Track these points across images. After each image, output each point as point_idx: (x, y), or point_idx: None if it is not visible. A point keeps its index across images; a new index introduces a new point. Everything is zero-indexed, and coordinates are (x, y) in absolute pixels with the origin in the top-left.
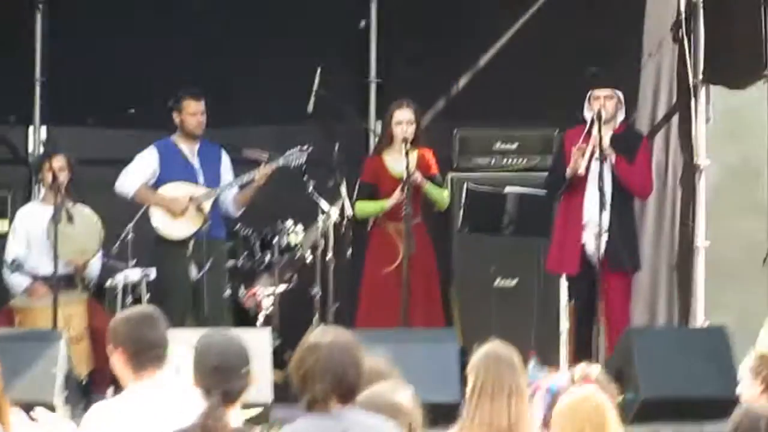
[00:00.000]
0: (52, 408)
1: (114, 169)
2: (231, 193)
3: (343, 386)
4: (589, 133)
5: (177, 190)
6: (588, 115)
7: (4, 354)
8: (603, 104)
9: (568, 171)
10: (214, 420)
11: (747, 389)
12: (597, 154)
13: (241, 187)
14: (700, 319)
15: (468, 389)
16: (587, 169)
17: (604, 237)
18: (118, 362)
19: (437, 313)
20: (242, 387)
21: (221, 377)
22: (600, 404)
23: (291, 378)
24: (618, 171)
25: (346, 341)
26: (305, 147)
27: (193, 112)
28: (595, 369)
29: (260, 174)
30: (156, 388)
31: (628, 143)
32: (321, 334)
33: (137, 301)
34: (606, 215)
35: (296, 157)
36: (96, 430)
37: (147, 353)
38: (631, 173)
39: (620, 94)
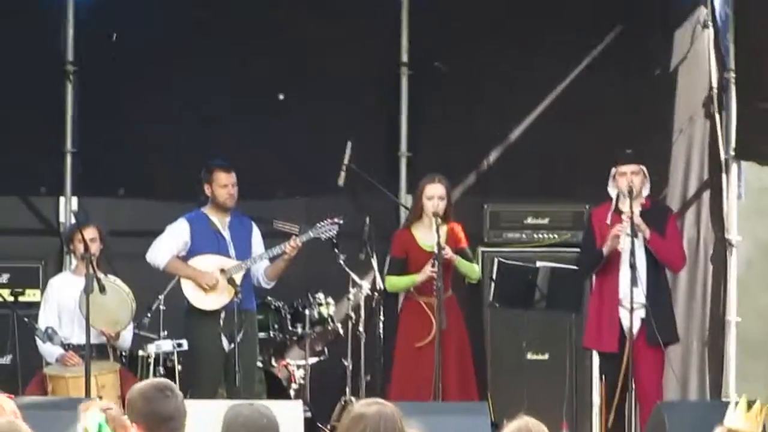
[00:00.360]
0: None
1: (144, 240)
2: (262, 265)
3: None
4: (618, 209)
5: (208, 263)
6: (612, 191)
7: (36, 421)
8: (630, 180)
9: (605, 250)
10: None
11: None
12: (628, 230)
13: (272, 259)
14: (731, 393)
15: None
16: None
17: (639, 312)
18: None
19: (470, 386)
20: None
21: None
22: None
23: None
24: (652, 245)
25: (390, 413)
26: (336, 219)
27: (224, 184)
28: None
29: (291, 246)
30: None
31: (656, 218)
32: (366, 405)
33: (170, 371)
34: (639, 291)
35: (327, 229)
36: None
37: (162, 426)
38: (665, 246)
39: (644, 168)
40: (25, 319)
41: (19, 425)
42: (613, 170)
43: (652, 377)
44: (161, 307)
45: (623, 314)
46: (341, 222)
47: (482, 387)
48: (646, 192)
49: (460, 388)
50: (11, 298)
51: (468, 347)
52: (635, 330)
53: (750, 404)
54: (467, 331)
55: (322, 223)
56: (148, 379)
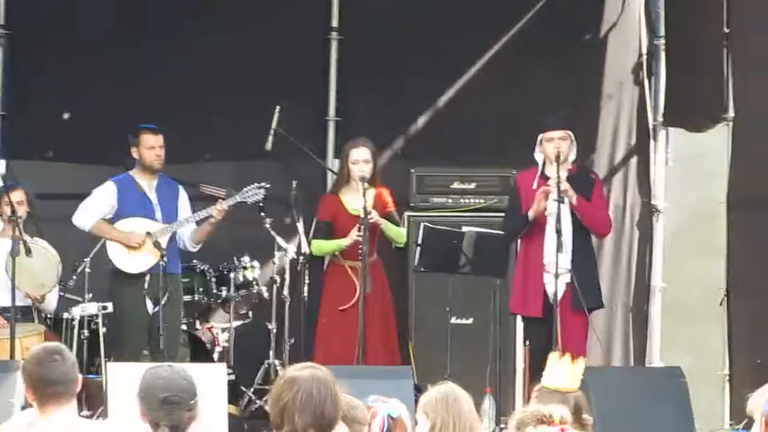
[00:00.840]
0: None
1: (72, 203)
2: (189, 228)
3: (322, 420)
4: (545, 174)
5: (134, 225)
6: (539, 156)
7: None
8: (558, 145)
9: (531, 213)
10: None
11: None
12: (554, 195)
13: (199, 222)
14: (656, 359)
15: (426, 430)
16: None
17: (564, 278)
18: (29, 399)
19: (393, 350)
20: (190, 419)
21: (168, 410)
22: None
23: (270, 410)
24: (579, 210)
25: (324, 376)
26: (263, 184)
27: (150, 145)
28: (566, 411)
29: (217, 210)
30: (54, 425)
31: (583, 183)
32: (299, 369)
33: (94, 333)
34: (564, 256)
35: (253, 193)
36: None
37: (47, 389)
38: (591, 211)
39: (572, 134)
40: None
41: None
42: (540, 136)
43: (576, 342)
44: (87, 270)
45: (548, 279)
46: (268, 186)
47: (406, 351)
48: (572, 157)
49: (384, 351)
50: None
51: (392, 311)
52: (560, 295)
53: (566, 360)
54: (392, 295)
55: (249, 188)
56: (43, 343)
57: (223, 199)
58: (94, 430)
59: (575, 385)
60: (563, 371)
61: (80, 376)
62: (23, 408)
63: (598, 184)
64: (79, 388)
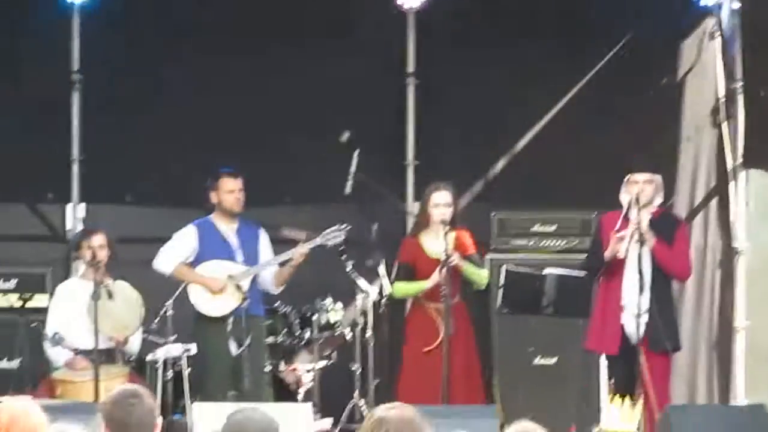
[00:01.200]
0: None
1: (152, 246)
2: (270, 271)
3: None
4: (627, 217)
5: (216, 269)
6: (624, 198)
7: None
8: (641, 188)
9: (607, 254)
10: None
11: None
12: (636, 238)
13: (281, 265)
14: (740, 397)
15: None
16: (626, 252)
17: (644, 318)
18: None
19: (477, 391)
20: None
21: None
22: None
23: None
24: (657, 254)
25: (411, 416)
26: (343, 226)
27: (230, 189)
28: None
29: (299, 253)
30: None
31: (666, 227)
32: (386, 409)
33: (178, 375)
34: (645, 297)
35: (334, 236)
36: None
37: None
38: (670, 257)
39: (659, 178)
40: (33, 324)
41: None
42: (627, 177)
43: (657, 382)
44: (170, 312)
45: (626, 320)
46: (348, 228)
47: (490, 392)
48: (658, 201)
49: (467, 393)
50: (19, 303)
51: (476, 352)
52: (639, 336)
53: (623, 402)
54: (475, 337)
55: (329, 230)
56: (123, 386)
57: (304, 241)
58: None
59: (633, 428)
60: (621, 414)
61: (159, 421)
62: None
63: (682, 228)
64: None
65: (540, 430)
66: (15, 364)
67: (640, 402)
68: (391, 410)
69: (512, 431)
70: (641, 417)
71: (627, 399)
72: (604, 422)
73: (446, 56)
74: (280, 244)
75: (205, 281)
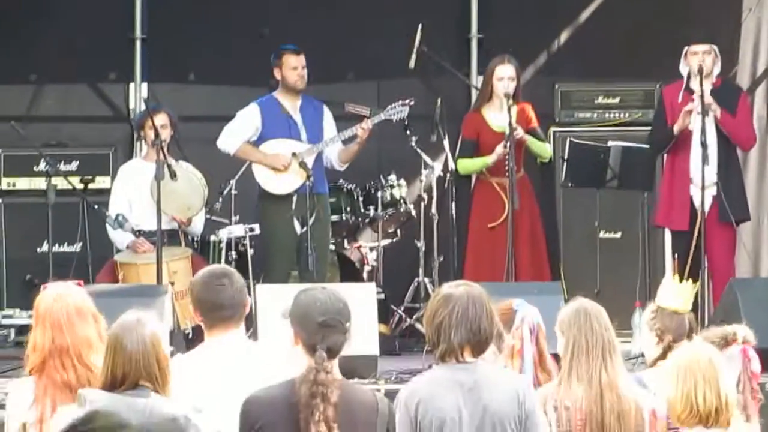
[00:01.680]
0: None
1: (215, 125)
2: (335, 148)
3: (479, 336)
4: (688, 88)
5: (279, 147)
6: (684, 69)
7: (109, 309)
8: (702, 59)
9: (676, 128)
10: (323, 374)
11: (645, 344)
12: (699, 109)
13: (345, 142)
14: None
15: (562, 346)
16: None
17: (710, 190)
18: (197, 320)
19: (543, 266)
20: (343, 342)
21: (326, 333)
22: (713, 358)
23: (425, 328)
24: (723, 124)
25: (478, 293)
26: (407, 101)
27: (293, 66)
28: (749, 333)
29: (362, 129)
30: (223, 346)
31: (727, 97)
32: (453, 286)
33: (242, 255)
34: (710, 169)
35: (398, 111)
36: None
37: (213, 313)
38: (735, 126)
39: (716, 48)
40: (95, 207)
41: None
42: (685, 49)
43: (724, 254)
44: (233, 192)
45: (694, 192)
46: (412, 104)
47: (555, 266)
48: (717, 71)
49: (533, 268)
50: (81, 186)
51: (540, 227)
52: (707, 208)
53: (680, 280)
54: (540, 211)
55: (393, 105)
56: (211, 266)
57: (368, 117)
58: (262, 353)
59: (688, 307)
60: (677, 292)
61: (249, 300)
62: (171, 333)
63: (743, 97)
64: (247, 312)
65: (598, 306)
66: (77, 247)
67: (695, 283)
68: (458, 287)
69: (572, 308)
70: (706, 291)
71: (684, 278)
72: (659, 299)
73: None
74: (345, 121)
75: (269, 159)
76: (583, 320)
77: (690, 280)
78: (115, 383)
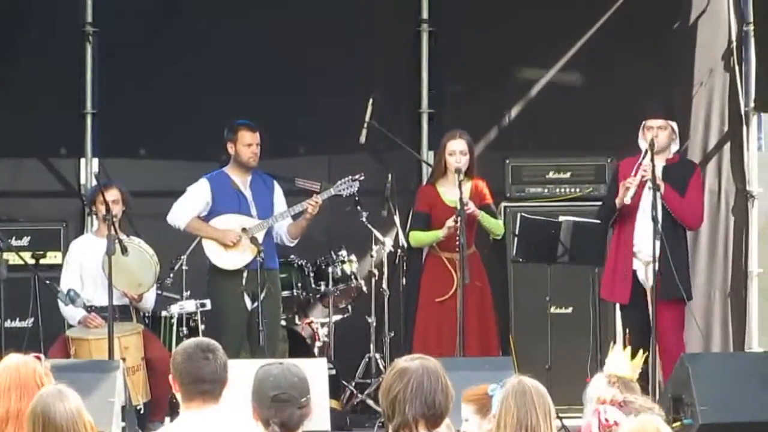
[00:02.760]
0: None
1: (166, 200)
2: (285, 223)
3: (432, 411)
4: (641, 163)
5: (230, 222)
6: (642, 144)
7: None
8: (656, 134)
9: (618, 201)
10: None
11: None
12: (650, 184)
13: (295, 217)
14: (755, 344)
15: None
16: (639, 198)
17: (656, 266)
18: (174, 389)
19: (491, 341)
20: (301, 417)
21: (278, 408)
22: (661, 427)
23: (381, 402)
24: (667, 202)
25: (434, 367)
26: (357, 176)
27: (248, 143)
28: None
29: (312, 204)
30: (201, 421)
31: (681, 173)
32: (409, 360)
33: (193, 331)
34: (657, 245)
35: (348, 185)
36: None
37: (196, 386)
38: (680, 205)
39: (674, 124)
40: (47, 282)
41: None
42: (643, 123)
43: (671, 331)
44: (184, 267)
45: (638, 266)
46: (362, 179)
47: (506, 342)
48: (674, 148)
49: (481, 343)
50: (32, 261)
51: (490, 303)
52: (651, 283)
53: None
54: (490, 286)
55: (343, 180)
56: (197, 338)
57: (318, 192)
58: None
59: (635, 375)
60: (625, 360)
61: (228, 378)
62: (123, 408)
63: (697, 175)
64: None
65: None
66: (29, 323)
67: (642, 354)
68: (413, 360)
69: (510, 386)
70: (657, 366)
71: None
72: (607, 368)
73: (460, 3)
74: (295, 196)
75: (219, 234)
76: (519, 397)
77: (637, 351)
78: None
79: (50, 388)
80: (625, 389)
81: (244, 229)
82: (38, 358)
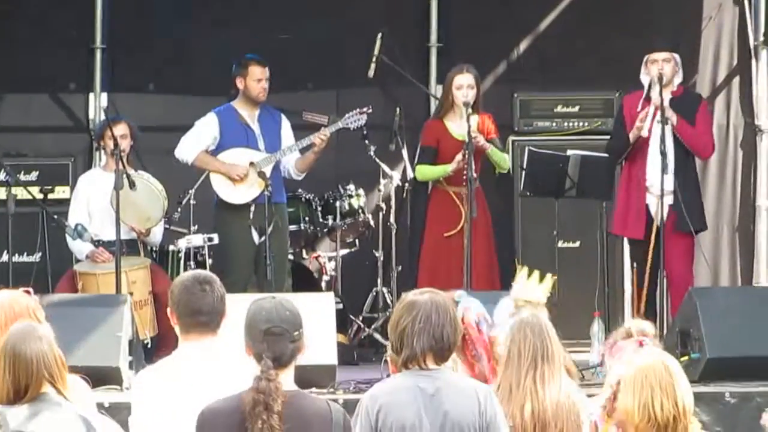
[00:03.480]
0: (118, 371)
1: (174, 135)
2: (293, 157)
3: (441, 343)
4: (648, 96)
5: (237, 156)
6: (645, 78)
7: (68, 319)
8: (661, 67)
9: (632, 135)
10: (265, 382)
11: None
12: (658, 117)
13: (302, 151)
14: (762, 278)
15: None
16: (649, 132)
17: (668, 199)
18: (171, 322)
19: (495, 276)
20: (294, 351)
21: (271, 342)
22: (669, 366)
23: (389, 335)
24: (680, 133)
25: (443, 301)
26: (365, 109)
27: (258, 78)
28: (648, 325)
29: (320, 138)
30: (199, 352)
31: (687, 105)
32: (418, 293)
33: (200, 265)
34: (668, 178)
35: (356, 119)
36: (141, 392)
37: (192, 318)
38: (693, 134)
39: (677, 56)
40: (55, 217)
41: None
42: (646, 57)
43: (682, 264)
44: (191, 202)
45: (650, 201)
46: (370, 111)
47: (510, 276)
48: (678, 80)
49: (487, 278)
50: (40, 196)
51: (493, 237)
52: (664, 217)
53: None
54: (495, 221)
55: (351, 113)
56: (194, 270)
57: (326, 126)
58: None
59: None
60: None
61: (226, 310)
62: (130, 342)
63: (703, 106)
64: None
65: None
66: (37, 257)
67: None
68: (422, 294)
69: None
70: (665, 300)
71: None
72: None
73: None
74: (303, 130)
75: (227, 169)
76: (517, 329)
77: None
78: (19, 393)
79: (20, 325)
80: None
81: (252, 163)
82: (27, 292)
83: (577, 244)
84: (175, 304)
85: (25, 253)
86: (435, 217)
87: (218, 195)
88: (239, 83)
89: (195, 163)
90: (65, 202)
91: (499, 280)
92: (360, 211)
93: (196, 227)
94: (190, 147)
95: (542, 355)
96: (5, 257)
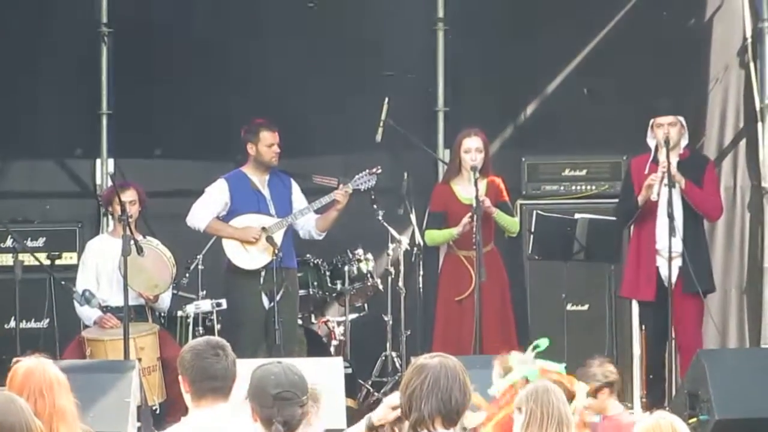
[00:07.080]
0: None
1: (181, 200)
2: (311, 217)
3: (449, 408)
4: (656, 160)
5: (249, 222)
6: (651, 142)
7: (77, 385)
8: (667, 131)
9: (640, 199)
10: None
11: None
12: (665, 181)
13: (320, 211)
14: None
15: (519, 423)
16: (658, 195)
17: (677, 261)
18: (183, 389)
19: (511, 339)
20: (303, 415)
21: (281, 406)
22: (677, 427)
23: (399, 398)
24: (689, 195)
25: (453, 365)
26: (374, 169)
27: (269, 143)
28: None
29: (341, 194)
30: (211, 419)
31: (695, 167)
32: (428, 357)
33: (209, 330)
34: (676, 240)
35: (366, 179)
36: None
37: (205, 384)
38: (701, 197)
39: (682, 119)
40: (62, 283)
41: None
42: (651, 121)
43: (691, 326)
44: (200, 267)
45: (660, 263)
46: (379, 172)
47: (523, 340)
48: (684, 143)
49: (502, 340)
50: (48, 262)
51: (509, 301)
52: (673, 279)
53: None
54: (509, 284)
55: (360, 174)
56: (205, 336)
57: (335, 188)
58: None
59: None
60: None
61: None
62: (139, 408)
63: (710, 167)
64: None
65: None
66: (44, 323)
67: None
68: (433, 358)
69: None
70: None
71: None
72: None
73: (476, 3)
74: (312, 195)
75: (239, 233)
76: (542, 393)
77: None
78: None
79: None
80: None
81: (263, 228)
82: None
83: (586, 307)
84: (188, 370)
85: (33, 320)
86: (447, 282)
87: (229, 260)
88: (250, 149)
89: (207, 230)
90: (73, 268)
91: (516, 344)
92: (369, 275)
93: (204, 292)
94: (202, 214)
95: (566, 423)
96: (13, 323)
